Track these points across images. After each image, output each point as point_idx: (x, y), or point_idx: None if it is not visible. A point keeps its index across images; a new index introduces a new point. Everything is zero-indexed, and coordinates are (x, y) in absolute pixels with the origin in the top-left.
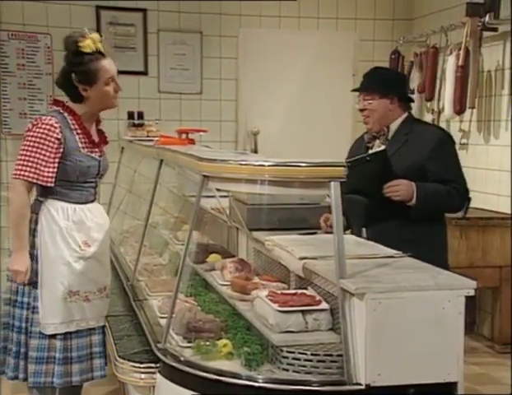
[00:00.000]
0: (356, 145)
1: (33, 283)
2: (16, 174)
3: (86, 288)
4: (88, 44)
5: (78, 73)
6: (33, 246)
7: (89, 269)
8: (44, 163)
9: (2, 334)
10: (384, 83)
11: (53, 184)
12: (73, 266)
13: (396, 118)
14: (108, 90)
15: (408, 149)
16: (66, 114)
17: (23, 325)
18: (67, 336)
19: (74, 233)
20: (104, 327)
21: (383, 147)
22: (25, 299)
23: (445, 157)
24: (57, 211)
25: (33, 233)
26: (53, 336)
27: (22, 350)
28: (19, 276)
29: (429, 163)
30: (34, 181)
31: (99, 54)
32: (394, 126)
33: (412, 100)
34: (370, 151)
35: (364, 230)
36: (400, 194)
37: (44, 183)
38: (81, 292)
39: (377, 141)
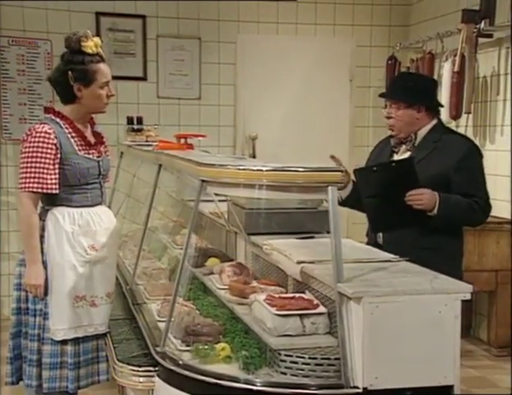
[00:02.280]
0: (381, 146)
1: (44, 290)
2: (21, 188)
3: (92, 293)
4: (90, 45)
5: (76, 71)
6: (41, 252)
7: (96, 274)
8: (46, 171)
9: (11, 344)
10: (412, 92)
11: (57, 191)
12: (79, 270)
13: (424, 125)
14: (101, 94)
15: (435, 157)
16: (58, 120)
17: (35, 332)
18: (77, 341)
19: (80, 237)
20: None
21: (408, 153)
22: (38, 306)
23: (471, 170)
24: (63, 217)
25: (40, 239)
26: (64, 342)
27: (35, 357)
28: (37, 290)
29: (454, 174)
30: (40, 191)
31: (99, 57)
32: (422, 132)
33: (442, 106)
34: (396, 157)
35: (380, 234)
36: (423, 203)
37: (49, 191)
38: (87, 297)
39: (403, 146)
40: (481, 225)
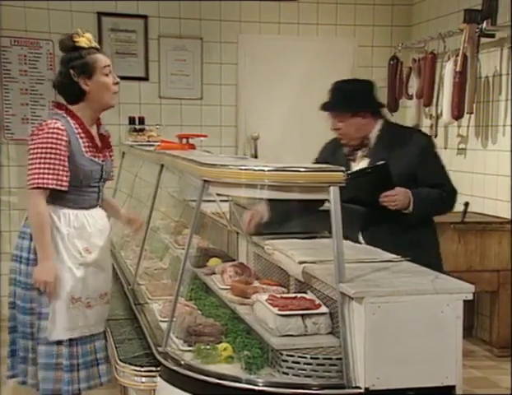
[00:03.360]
0: (330, 148)
1: (37, 289)
2: (34, 183)
3: (87, 294)
4: (83, 40)
5: (77, 67)
6: (34, 252)
7: (90, 275)
8: (61, 167)
9: (8, 338)
10: (353, 100)
11: (66, 189)
12: (74, 272)
13: (372, 128)
14: (107, 81)
15: (394, 157)
16: (69, 118)
17: (28, 330)
18: (72, 342)
19: (75, 240)
20: (105, 332)
21: (366, 160)
22: (28, 305)
23: (432, 162)
24: (58, 218)
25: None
26: (60, 343)
27: (30, 355)
28: (48, 286)
29: (418, 169)
30: (55, 187)
31: (94, 49)
32: (373, 135)
33: (384, 106)
34: (354, 165)
35: (360, 234)
36: (397, 203)
37: (62, 188)
38: (83, 299)
39: (359, 152)
40: (483, 225)
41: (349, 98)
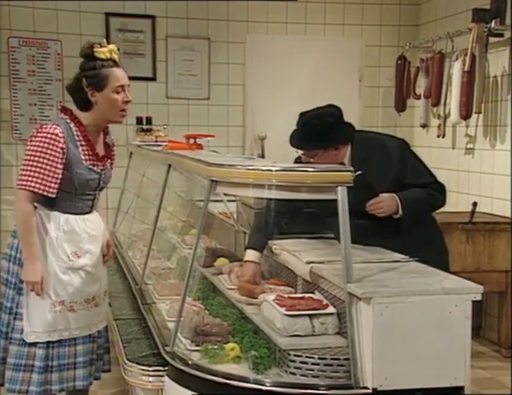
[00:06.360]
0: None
1: (17, 289)
2: (21, 185)
3: (71, 298)
4: (103, 51)
5: (89, 77)
6: (21, 251)
7: (77, 280)
8: (50, 173)
9: None
10: (324, 138)
11: (55, 195)
12: (60, 276)
13: (346, 151)
14: (115, 98)
15: (373, 167)
16: (72, 125)
17: (4, 330)
18: (49, 344)
19: (64, 243)
20: (90, 335)
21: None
22: (9, 304)
23: (412, 164)
24: (49, 221)
25: None
26: (33, 345)
27: (1, 355)
28: (34, 286)
29: (401, 176)
30: (40, 192)
31: (112, 62)
32: (347, 155)
33: (353, 128)
34: None
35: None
36: (384, 210)
37: (49, 195)
38: (66, 302)
39: None
40: (491, 226)
41: (319, 135)
